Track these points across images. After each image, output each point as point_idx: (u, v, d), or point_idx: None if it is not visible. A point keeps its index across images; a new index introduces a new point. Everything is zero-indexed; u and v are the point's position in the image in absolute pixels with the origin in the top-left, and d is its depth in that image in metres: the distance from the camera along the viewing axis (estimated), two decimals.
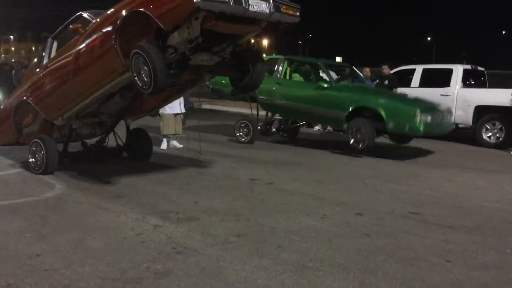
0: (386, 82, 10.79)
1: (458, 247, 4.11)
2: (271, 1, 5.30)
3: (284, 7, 5.47)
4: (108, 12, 5.79)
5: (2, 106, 8.04)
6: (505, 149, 9.73)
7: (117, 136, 7.45)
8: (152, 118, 9.95)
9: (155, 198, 5.47)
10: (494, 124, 10.13)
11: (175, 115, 8.81)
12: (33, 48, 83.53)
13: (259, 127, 9.92)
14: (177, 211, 4.97)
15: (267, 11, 5.25)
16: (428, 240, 4.29)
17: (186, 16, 4.91)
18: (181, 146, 8.99)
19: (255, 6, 5.10)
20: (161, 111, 8.53)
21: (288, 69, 10.08)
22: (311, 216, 4.91)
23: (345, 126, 8.55)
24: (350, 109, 8.41)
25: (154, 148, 8.25)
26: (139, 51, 5.03)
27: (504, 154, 9.45)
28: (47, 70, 6.53)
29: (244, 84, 6.26)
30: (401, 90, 11.11)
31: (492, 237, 4.42)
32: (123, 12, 5.33)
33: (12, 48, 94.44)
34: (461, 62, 13.10)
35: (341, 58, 40.51)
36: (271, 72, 9.89)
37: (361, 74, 10.26)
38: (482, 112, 10.28)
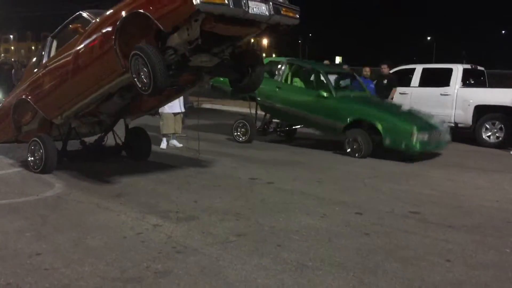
0: (385, 81, 10.77)
1: (458, 247, 4.11)
2: (271, 3, 5.29)
3: (283, 9, 5.47)
4: (108, 12, 5.79)
5: (1, 105, 8.05)
6: (505, 148, 9.73)
7: (116, 135, 7.45)
8: (151, 118, 9.95)
9: (155, 197, 5.47)
10: (494, 124, 10.14)
11: (175, 114, 8.81)
12: (33, 48, 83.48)
13: (257, 127, 9.93)
14: (177, 210, 4.97)
15: (267, 13, 5.24)
16: (428, 239, 4.29)
17: (186, 18, 4.92)
18: (181, 145, 8.99)
19: (254, 9, 5.10)
20: (160, 110, 8.54)
21: (289, 73, 10.05)
22: (311, 215, 4.91)
23: (342, 135, 8.58)
24: (349, 121, 8.47)
25: (154, 148, 8.25)
26: (138, 52, 5.03)
27: (504, 153, 9.45)
28: (47, 69, 6.53)
29: (243, 85, 6.28)
30: (400, 90, 11.14)
31: (492, 236, 4.42)
32: (123, 13, 5.33)
33: (12, 48, 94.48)
34: (461, 62, 13.11)
35: (341, 58, 40.51)
36: (272, 74, 9.88)
37: (361, 80, 10.22)
38: (482, 112, 10.29)
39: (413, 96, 11.15)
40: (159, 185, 6.05)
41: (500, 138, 10.03)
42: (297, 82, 10.07)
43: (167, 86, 5.33)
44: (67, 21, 6.60)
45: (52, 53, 6.76)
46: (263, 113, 10.30)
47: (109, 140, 7.51)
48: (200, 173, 6.83)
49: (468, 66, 11.43)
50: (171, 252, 3.81)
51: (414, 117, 8.55)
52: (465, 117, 10.44)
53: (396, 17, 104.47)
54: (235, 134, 9.91)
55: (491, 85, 11.94)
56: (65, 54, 6.21)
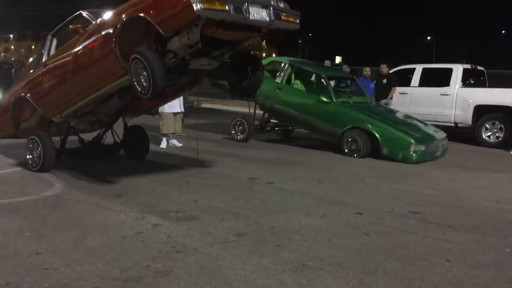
0: (385, 81, 10.78)
1: (458, 247, 4.11)
2: (271, 9, 5.30)
3: (284, 14, 5.48)
4: (109, 14, 5.78)
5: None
6: (505, 148, 9.73)
7: (115, 133, 7.45)
8: (151, 117, 9.95)
9: (155, 197, 5.47)
10: (493, 124, 10.14)
11: (175, 114, 8.82)
12: (33, 47, 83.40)
13: (255, 125, 9.95)
14: (177, 210, 4.97)
15: (267, 19, 5.25)
16: (428, 239, 4.29)
17: (186, 23, 4.93)
18: (181, 145, 8.99)
19: (255, 14, 5.10)
20: (160, 110, 8.55)
21: (291, 74, 10.04)
22: (311, 215, 4.91)
23: (340, 141, 8.60)
24: (347, 128, 8.48)
25: (154, 147, 8.26)
26: (138, 56, 5.03)
27: (504, 153, 9.45)
28: (46, 68, 6.53)
29: (242, 88, 6.32)
30: (400, 89, 11.14)
31: (491, 236, 4.42)
32: (124, 17, 5.33)
33: (12, 47, 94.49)
34: (461, 62, 13.11)
35: (341, 58, 40.49)
36: (273, 74, 9.88)
37: (361, 85, 10.22)
38: (482, 112, 10.29)
39: (413, 96, 11.16)
40: (159, 185, 6.05)
41: (500, 138, 10.03)
42: (298, 84, 10.08)
43: (166, 90, 5.34)
44: (67, 20, 6.60)
45: (52, 51, 6.76)
46: (261, 113, 10.33)
47: (108, 138, 7.51)
48: (200, 173, 6.83)
49: (468, 66, 11.43)
50: (171, 252, 3.81)
51: (412, 128, 8.56)
52: (465, 117, 10.44)
53: (396, 17, 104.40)
54: (233, 132, 9.97)
55: (491, 85, 11.95)
56: (65, 54, 6.21)
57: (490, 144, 10.09)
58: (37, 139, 6.47)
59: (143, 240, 4.07)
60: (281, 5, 5.52)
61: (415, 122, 9.00)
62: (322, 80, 9.30)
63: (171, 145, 8.97)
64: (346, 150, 8.41)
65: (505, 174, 7.38)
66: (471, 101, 10.38)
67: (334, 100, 8.83)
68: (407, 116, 9.36)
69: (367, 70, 11.53)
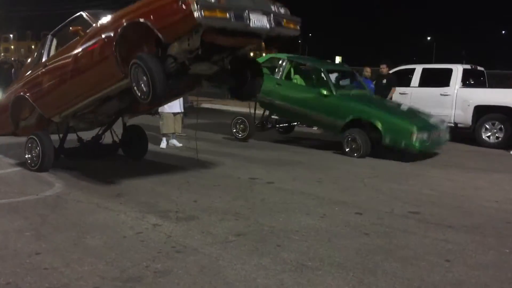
0: (384, 81, 10.78)
1: (458, 247, 4.11)
2: (272, 16, 5.31)
3: (285, 20, 5.50)
4: (109, 18, 5.76)
5: None
6: (506, 149, 9.72)
7: (114, 133, 7.46)
8: (151, 117, 9.95)
9: (155, 197, 5.47)
10: (493, 124, 10.14)
11: (175, 114, 8.82)
12: (33, 47, 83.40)
13: (255, 123, 9.96)
14: (177, 210, 4.97)
15: (268, 26, 5.27)
16: (428, 239, 4.29)
17: (187, 30, 4.94)
18: (181, 145, 8.99)
19: (256, 22, 5.11)
20: (160, 110, 8.55)
21: (290, 69, 10.05)
22: (311, 215, 4.91)
23: (341, 134, 8.59)
24: (348, 119, 8.47)
25: (154, 147, 8.27)
26: (138, 62, 5.03)
27: (504, 154, 9.45)
28: (46, 68, 6.53)
29: (241, 92, 6.34)
30: (400, 90, 11.14)
31: (491, 237, 4.42)
32: (124, 21, 5.33)
33: (12, 47, 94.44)
34: (461, 62, 13.11)
35: (340, 58, 40.45)
36: (273, 70, 9.89)
37: (361, 79, 10.22)
38: (482, 112, 10.29)
39: (413, 96, 11.15)
40: (159, 185, 6.05)
41: (500, 139, 10.03)
42: (297, 79, 10.07)
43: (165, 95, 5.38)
44: (68, 20, 6.60)
45: (52, 51, 6.76)
46: (261, 113, 10.33)
47: (106, 138, 7.51)
48: (200, 173, 6.83)
49: (468, 66, 11.43)
50: (171, 252, 3.81)
51: (414, 116, 8.56)
52: (465, 117, 10.44)
53: (396, 17, 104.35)
54: (234, 130, 9.97)
55: (491, 86, 11.95)
56: (65, 55, 6.21)
57: (490, 144, 10.09)
58: (35, 138, 6.48)
59: (143, 240, 4.07)
60: (282, 11, 5.54)
61: (417, 112, 8.97)
62: (322, 73, 9.30)
63: (171, 145, 8.97)
64: (346, 150, 8.40)
65: (505, 175, 7.38)
66: (471, 101, 10.38)
67: (334, 93, 8.83)
68: (409, 107, 9.34)
69: (368, 71, 11.53)
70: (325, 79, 9.14)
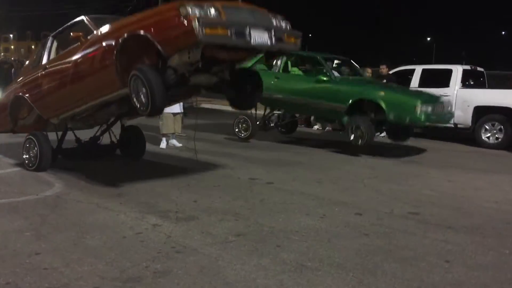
0: (384, 81, 10.80)
1: (457, 248, 4.11)
2: (273, 31, 5.31)
3: (285, 36, 5.51)
4: (111, 26, 5.74)
5: None
6: (509, 150, 9.71)
7: (112, 133, 7.46)
8: (151, 117, 9.92)
9: (155, 197, 5.47)
10: (493, 125, 10.14)
11: (174, 114, 8.82)
12: (33, 47, 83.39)
13: (257, 123, 9.96)
14: (177, 210, 4.97)
15: (269, 43, 5.27)
16: (427, 240, 4.29)
17: (187, 46, 4.95)
18: (181, 145, 9.00)
19: (257, 39, 5.11)
20: None
21: (287, 63, 10.06)
22: (311, 215, 4.91)
23: (344, 119, 8.56)
24: (350, 102, 8.39)
25: (154, 147, 8.27)
26: (138, 74, 5.04)
27: (504, 154, 9.45)
28: (46, 71, 6.54)
29: (240, 102, 6.38)
30: None
31: (491, 237, 4.42)
32: (125, 32, 5.32)
33: (12, 47, 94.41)
34: (460, 63, 13.10)
35: None
36: (269, 68, 9.90)
37: (358, 67, 10.24)
38: (482, 113, 10.29)
39: None
40: (159, 185, 6.05)
41: (500, 139, 10.03)
42: (295, 71, 10.08)
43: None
44: (69, 23, 6.60)
45: (52, 53, 6.77)
46: (262, 113, 10.33)
47: (104, 138, 7.52)
48: (200, 173, 6.83)
49: (467, 67, 11.43)
50: (171, 252, 3.81)
51: (415, 92, 8.54)
52: (465, 118, 10.44)
53: (396, 17, 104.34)
54: (237, 130, 9.96)
55: (491, 86, 11.94)
56: (66, 60, 6.20)
57: (489, 145, 10.09)
58: (33, 138, 6.49)
59: (143, 240, 4.07)
60: (283, 24, 5.54)
61: (419, 91, 8.98)
62: (319, 61, 9.28)
63: (171, 145, 8.97)
64: (351, 137, 8.33)
65: (504, 175, 7.38)
66: (470, 102, 10.38)
67: (333, 78, 8.81)
68: (412, 89, 9.37)
69: (368, 72, 11.54)
70: (323, 66, 9.13)
